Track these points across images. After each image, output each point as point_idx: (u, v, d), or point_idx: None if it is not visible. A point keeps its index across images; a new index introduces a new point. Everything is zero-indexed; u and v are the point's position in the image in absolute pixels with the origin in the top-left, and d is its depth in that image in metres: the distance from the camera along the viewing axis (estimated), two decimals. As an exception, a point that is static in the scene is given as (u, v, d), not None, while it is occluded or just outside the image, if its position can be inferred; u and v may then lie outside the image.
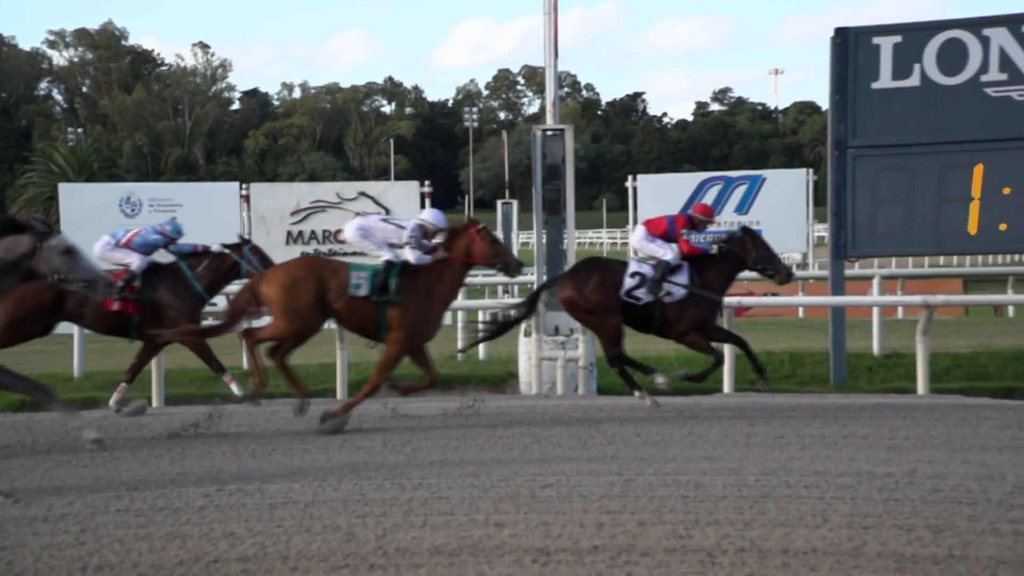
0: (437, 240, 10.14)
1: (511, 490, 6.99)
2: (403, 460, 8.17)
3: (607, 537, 5.90)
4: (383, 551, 5.77)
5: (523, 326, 12.62)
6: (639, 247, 10.95)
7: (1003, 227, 10.78)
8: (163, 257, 11.42)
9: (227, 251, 11.32)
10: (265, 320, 10.28)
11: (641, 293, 10.37)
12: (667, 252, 10.48)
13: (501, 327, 10.98)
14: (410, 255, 10.06)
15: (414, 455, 8.35)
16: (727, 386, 12.13)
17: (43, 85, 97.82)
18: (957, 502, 6.49)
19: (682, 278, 10.41)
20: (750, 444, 8.55)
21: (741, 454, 8.11)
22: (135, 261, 11.04)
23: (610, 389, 12.24)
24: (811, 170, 20.08)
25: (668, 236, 10.64)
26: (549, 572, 5.42)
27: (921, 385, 11.63)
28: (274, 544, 5.90)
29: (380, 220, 10.63)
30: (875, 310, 13.61)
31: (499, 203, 28.79)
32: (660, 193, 21.75)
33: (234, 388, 10.84)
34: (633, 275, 10.44)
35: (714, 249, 10.61)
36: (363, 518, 6.38)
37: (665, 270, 10.38)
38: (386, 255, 10.07)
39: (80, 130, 73.39)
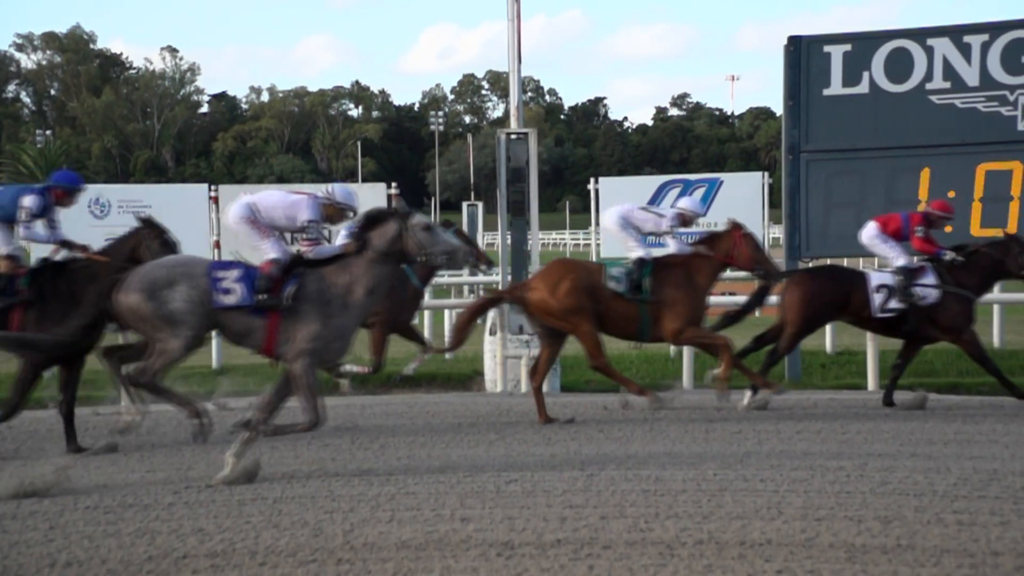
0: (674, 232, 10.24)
1: (477, 486, 7.10)
2: (371, 457, 8.26)
3: (570, 531, 6.01)
4: (351, 546, 5.84)
5: (488, 325, 12.75)
6: (869, 245, 10.72)
7: (948, 229, 11.01)
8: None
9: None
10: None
11: (894, 303, 10.17)
12: (898, 256, 10.30)
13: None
14: (672, 244, 10.09)
15: (381, 452, 8.44)
16: (686, 382, 12.29)
17: (11, 88, 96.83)
18: (905, 494, 6.67)
19: (929, 279, 10.22)
20: (709, 439, 8.70)
21: (700, 449, 8.26)
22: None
23: (573, 387, 12.38)
24: (767, 173, 20.27)
25: (901, 234, 10.46)
26: (513, 565, 5.51)
27: (872, 381, 11.88)
28: (243, 540, 5.96)
29: (639, 209, 10.52)
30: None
31: (464, 205, 28.85)
32: (621, 195, 21.79)
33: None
34: (879, 288, 10.21)
35: (947, 255, 10.39)
36: (331, 514, 6.46)
37: (909, 276, 10.17)
38: (639, 251, 9.99)
39: (49, 132, 72.82)
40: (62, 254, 9.31)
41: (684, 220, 10.36)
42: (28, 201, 9.08)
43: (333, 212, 8.30)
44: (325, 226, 8.42)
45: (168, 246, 9.23)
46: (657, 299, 9.86)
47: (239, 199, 8.19)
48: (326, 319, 7.44)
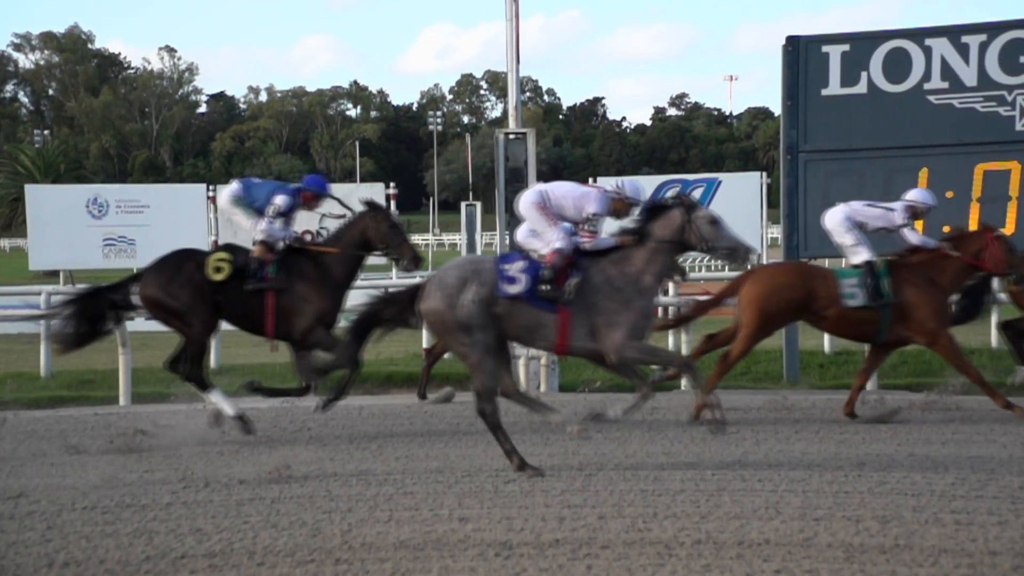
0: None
1: (475, 486, 7.11)
2: (369, 457, 8.26)
3: (568, 531, 6.02)
4: (349, 546, 5.85)
5: None
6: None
7: (946, 228, 11.01)
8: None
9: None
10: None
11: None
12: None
13: None
14: (912, 237, 9.78)
15: (379, 452, 8.44)
16: (684, 383, 12.28)
17: (9, 87, 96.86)
18: (903, 494, 6.69)
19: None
20: (707, 439, 8.70)
21: (698, 449, 8.27)
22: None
23: (572, 386, 12.37)
24: (765, 173, 20.31)
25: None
26: (512, 565, 5.51)
27: (869, 381, 11.85)
28: (240, 540, 5.97)
29: (865, 205, 10.12)
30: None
31: (463, 205, 28.81)
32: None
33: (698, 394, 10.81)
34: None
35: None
36: (329, 514, 6.47)
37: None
38: (863, 254, 9.67)
39: (47, 132, 72.83)
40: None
41: (915, 212, 9.96)
42: (280, 200, 9.59)
43: (621, 207, 8.32)
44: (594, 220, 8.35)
45: (396, 228, 9.49)
46: (899, 301, 9.51)
47: (532, 186, 8.23)
48: (626, 304, 7.45)
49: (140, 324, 20.39)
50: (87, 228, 21.52)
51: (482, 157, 71.53)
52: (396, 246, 9.52)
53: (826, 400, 10.75)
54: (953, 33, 12.41)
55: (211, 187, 22.86)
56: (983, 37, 12.31)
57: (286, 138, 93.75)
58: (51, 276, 28.21)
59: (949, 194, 11.86)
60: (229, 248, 9.64)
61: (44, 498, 7.00)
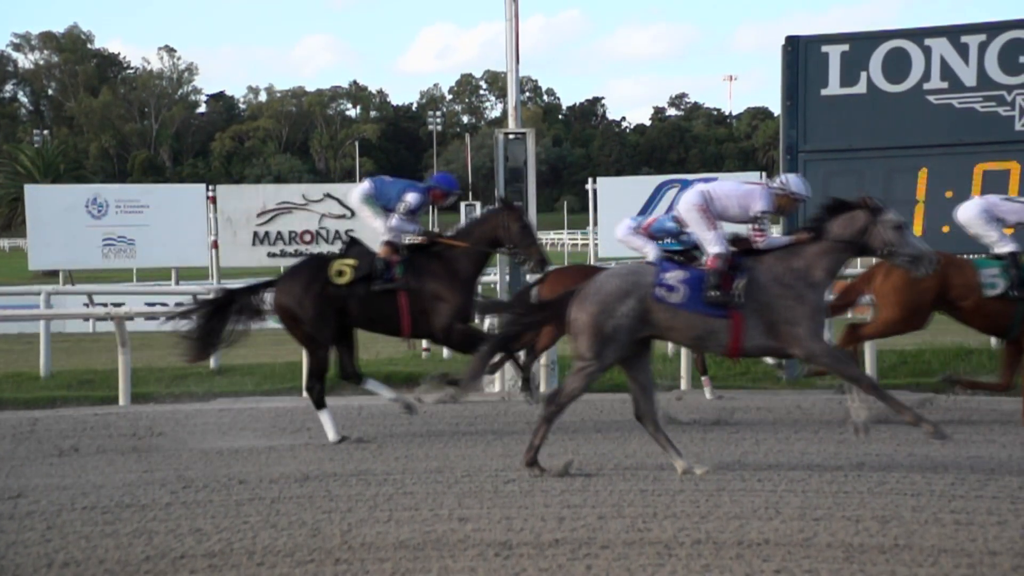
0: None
1: (475, 486, 7.11)
2: (368, 457, 8.26)
3: (568, 531, 6.02)
4: (349, 546, 5.85)
5: (486, 324, 12.73)
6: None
7: (946, 229, 11.03)
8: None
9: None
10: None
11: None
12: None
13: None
14: None
15: (379, 452, 8.45)
16: (684, 383, 12.30)
17: (8, 87, 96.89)
18: (902, 493, 6.68)
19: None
20: (706, 439, 8.71)
21: (698, 449, 8.27)
22: (652, 251, 10.86)
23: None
24: (764, 173, 20.30)
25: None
26: (511, 565, 5.52)
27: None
28: (240, 540, 5.97)
29: (1002, 199, 10.05)
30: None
31: (463, 205, 28.82)
32: (619, 195, 21.92)
33: (707, 392, 11.04)
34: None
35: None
36: (329, 514, 6.47)
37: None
38: (1007, 246, 9.63)
39: (46, 132, 72.87)
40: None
41: None
42: (411, 197, 9.64)
43: (785, 202, 8.08)
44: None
45: (527, 229, 9.43)
46: None
47: (693, 186, 8.07)
48: (799, 299, 7.33)
49: (140, 324, 20.46)
50: (87, 228, 21.51)
51: (482, 157, 71.60)
52: (525, 247, 9.41)
53: (826, 400, 10.76)
54: (953, 33, 12.42)
55: (211, 187, 22.86)
56: (983, 37, 12.32)
57: (286, 138, 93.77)
58: (51, 276, 28.22)
59: (949, 194, 11.86)
60: (355, 248, 9.60)
61: (44, 498, 7.00)
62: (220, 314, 9.24)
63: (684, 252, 10.75)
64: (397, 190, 9.73)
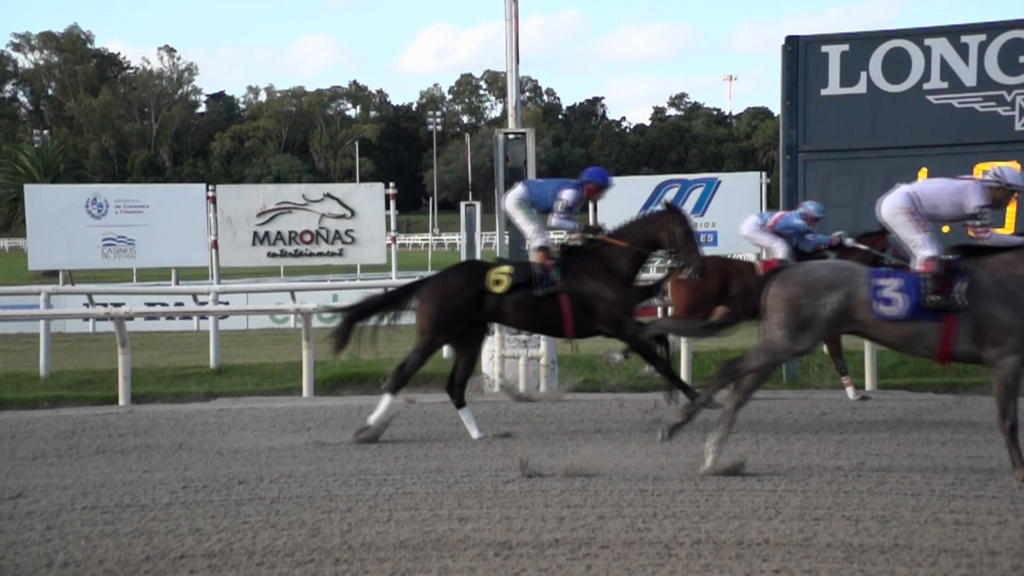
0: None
1: (474, 486, 7.12)
2: (368, 457, 8.26)
3: (568, 531, 6.03)
4: (348, 546, 5.87)
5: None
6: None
7: (946, 229, 11.03)
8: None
9: (862, 245, 10.96)
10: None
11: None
12: None
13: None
14: None
15: (379, 452, 8.44)
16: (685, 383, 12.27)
17: (8, 87, 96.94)
18: (902, 494, 6.70)
19: None
20: (706, 439, 8.69)
21: (697, 449, 8.25)
22: (780, 248, 10.81)
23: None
24: (764, 173, 20.35)
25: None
26: (511, 565, 5.53)
27: (869, 381, 11.88)
28: (240, 540, 5.98)
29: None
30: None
31: (463, 205, 28.77)
32: (619, 195, 21.92)
33: (850, 392, 10.87)
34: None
35: None
36: (328, 514, 6.48)
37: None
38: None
39: (46, 132, 72.91)
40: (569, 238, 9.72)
41: None
42: (567, 195, 9.64)
43: (1001, 195, 7.78)
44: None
45: (690, 234, 9.36)
46: None
47: (896, 188, 7.91)
48: (1017, 309, 7.06)
49: (140, 324, 20.48)
50: (87, 228, 21.56)
51: (481, 157, 71.62)
52: (687, 252, 9.31)
53: (826, 400, 10.76)
54: (952, 33, 12.43)
55: (210, 187, 22.85)
56: (982, 37, 12.32)
57: (285, 138, 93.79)
58: (51, 276, 28.23)
59: None
60: (507, 261, 9.71)
61: (43, 498, 7.01)
62: (373, 312, 9.37)
63: (812, 254, 10.75)
64: (551, 189, 9.76)
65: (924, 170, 12.13)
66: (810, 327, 7.16)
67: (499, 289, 9.17)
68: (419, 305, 9.24)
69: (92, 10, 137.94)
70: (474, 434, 8.99)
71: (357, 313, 9.38)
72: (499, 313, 9.28)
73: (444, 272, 9.56)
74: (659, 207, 9.72)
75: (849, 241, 11.08)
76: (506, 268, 9.32)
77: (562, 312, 9.21)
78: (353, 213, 22.09)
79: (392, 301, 9.42)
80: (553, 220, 9.70)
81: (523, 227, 9.85)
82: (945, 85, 12.38)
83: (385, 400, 9.02)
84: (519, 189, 9.93)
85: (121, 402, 11.74)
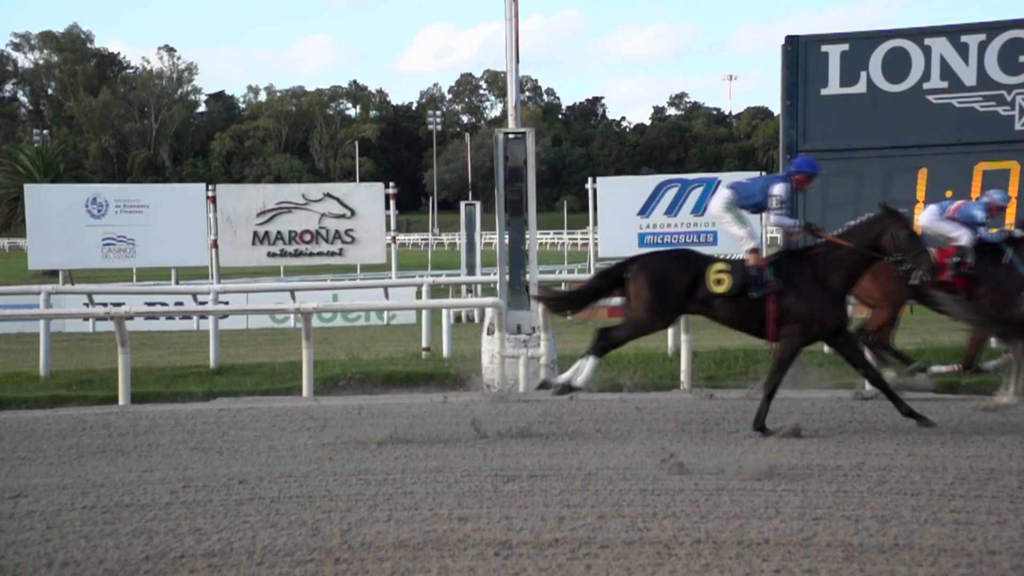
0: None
1: (474, 485, 7.12)
2: (368, 456, 8.26)
3: (568, 530, 6.03)
4: (348, 545, 5.86)
5: (486, 324, 12.73)
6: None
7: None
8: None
9: None
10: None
11: None
12: None
13: None
14: None
15: (379, 452, 8.44)
16: (684, 383, 12.29)
17: (8, 87, 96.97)
18: (902, 493, 6.71)
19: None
20: (706, 439, 8.71)
21: (697, 449, 8.27)
22: (964, 236, 10.61)
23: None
24: (764, 173, 20.30)
25: None
26: (511, 565, 5.52)
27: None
28: (240, 539, 5.98)
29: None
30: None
31: (462, 204, 28.86)
32: (619, 195, 21.99)
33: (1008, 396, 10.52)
34: None
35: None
36: (328, 513, 6.48)
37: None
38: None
39: (46, 132, 72.96)
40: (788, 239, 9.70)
41: None
42: (778, 190, 9.43)
43: None
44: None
45: (915, 237, 9.23)
46: None
47: None
48: None
49: (140, 324, 20.48)
50: (86, 228, 21.56)
51: (481, 157, 71.63)
52: (915, 255, 9.12)
53: (825, 400, 10.75)
54: (952, 33, 12.43)
55: (210, 187, 22.85)
56: (982, 37, 12.32)
57: (285, 138, 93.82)
58: (51, 276, 28.23)
59: (949, 193, 11.87)
60: (721, 259, 9.59)
61: (43, 497, 7.00)
62: (593, 291, 9.46)
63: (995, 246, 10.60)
64: (760, 187, 9.60)
65: (924, 170, 12.14)
66: None
67: (720, 289, 9.06)
68: (634, 283, 9.15)
69: (92, 10, 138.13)
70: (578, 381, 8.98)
71: (576, 300, 9.53)
72: (707, 306, 9.20)
73: (660, 254, 9.52)
74: (880, 211, 9.37)
75: (1018, 232, 10.83)
76: (724, 266, 9.21)
77: (767, 315, 9.09)
78: (353, 213, 22.10)
79: (607, 281, 9.40)
80: (771, 218, 9.50)
81: (732, 230, 9.66)
82: (945, 85, 12.37)
83: (590, 362, 9.03)
84: (724, 192, 9.73)
85: (121, 402, 11.73)
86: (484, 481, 7.21)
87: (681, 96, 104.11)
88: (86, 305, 19.52)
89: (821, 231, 9.48)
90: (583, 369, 9.05)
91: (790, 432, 8.77)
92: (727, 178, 21.01)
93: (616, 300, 9.66)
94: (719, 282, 9.09)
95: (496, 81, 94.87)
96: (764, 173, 19.83)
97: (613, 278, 9.39)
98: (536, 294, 10.39)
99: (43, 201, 22.00)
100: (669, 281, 9.09)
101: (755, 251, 9.35)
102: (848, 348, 9.24)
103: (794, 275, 9.12)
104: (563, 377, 9.20)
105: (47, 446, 8.87)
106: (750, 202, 9.59)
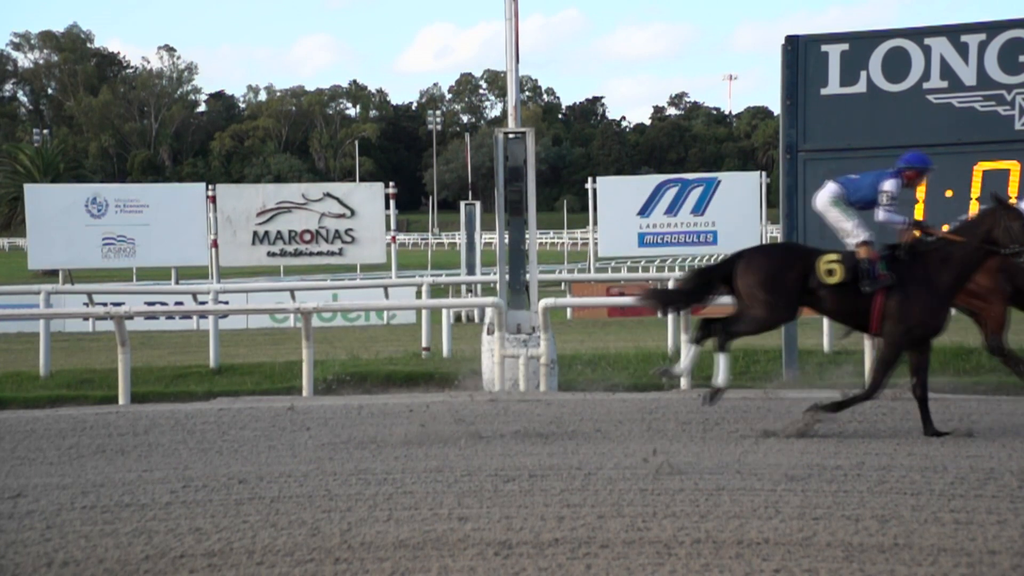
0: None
1: (474, 485, 7.11)
2: (368, 456, 8.26)
3: (567, 530, 6.02)
4: (348, 545, 5.86)
5: (486, 324, 12.74)
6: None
7: (945, 228, 11.02)
8: None
9: None
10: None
11: None
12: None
13: None
14: None
15: (379, 451, 8.44)
16: (684, 383, 12.29)
17: (8, 87, 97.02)
18: (902, 493, 6.70)
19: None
20: (706, 439, 8.71)
21: (697, 448, 8.27)
22: None
23: (571, 386, 12.38)
24: (764, 173, 20.37)
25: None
26: (511, 565, 5.52)
27: (869, 380, 11.84)
28: (240, 539, 5.97)
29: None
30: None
31: (462, 204, 28.88)
32: (619, 194, 22.02)
33: None
34: None
35: None
36: (328, 513, 6.47)
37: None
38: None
39: (46, 131, 73.01)
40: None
41: None
42: (889, 186, 9.26)
43: None
44: None
45: None
46: None
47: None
48: None
49: (140, 324, 20.48)
50: (86, 227, 21.57)
51: (481, 156, 71.69)
52: None
53: (825, 399, 10.74)
54: (952, 33, 12.42)
55: (210, 186, 22.87)
56: (982, 36, 12.32)
57: (285, 137, 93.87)
58: (51, 276, 28.24)
59: (949, 193, 11.88)
60: (829, 250, 9.38)
61: (43, 497, 7.00)
62: (700, 288, 9.44)
63: None
64: (869, 183, 9.42)
65: (924, 170, 12.12)
66: None
67: (831, 280, 8.98)
68: (743, 280, 9.09)
69: (92, 9, 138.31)
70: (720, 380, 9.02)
71: (681, 300, 9.64)
72: (815, 297, 9.12)
73: (764, 248, 9.49)
74: (991, 203, 9.22)
75: None
76: (836, 256, 9.09)
77: (872, 308, 9.01)
78: (353, 212, 22.11)
79: (710, 280, 9.38)
80: (880, 215, 9.28)
81: (839, 225, 9.45)
82: (945, 84, 12.37)
83: (722, 360, 9.07)
84: (832, 187, 9.57)
85: (121, 402, 11.74)
86: (484, 481, 7.21)
87: (681, 96, 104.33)
88: (86, 305, 19.52)
89: (932, 228, 9.35)
90: (720, 369, 9.05)
91: (964, 433, 8.78)
92: (727, 178, 21.08)
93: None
94: (831, 272, 9.00)
95: (496, 81, 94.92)
96: (764, 174, 19.79)
97: (719, 276, 9.32)
98: (640, 297, 10.29)
99: (43, 201, 22.01)
100: (780, 276, 9.03)
101: (867, 244, 9.15)
102: (923, 355, 9.16)
103: (905, 272, 9.01)
104: (714, 382, 9.11)
105: (47, 446, 8.87)
106: (858, 197, 9.41)
